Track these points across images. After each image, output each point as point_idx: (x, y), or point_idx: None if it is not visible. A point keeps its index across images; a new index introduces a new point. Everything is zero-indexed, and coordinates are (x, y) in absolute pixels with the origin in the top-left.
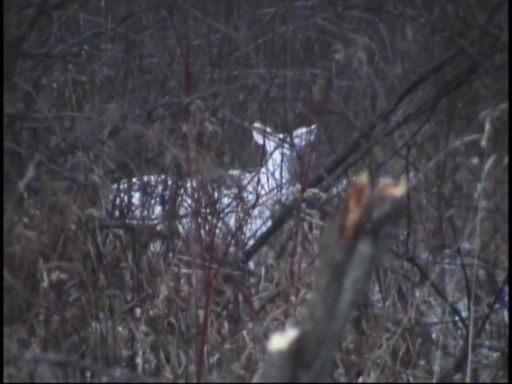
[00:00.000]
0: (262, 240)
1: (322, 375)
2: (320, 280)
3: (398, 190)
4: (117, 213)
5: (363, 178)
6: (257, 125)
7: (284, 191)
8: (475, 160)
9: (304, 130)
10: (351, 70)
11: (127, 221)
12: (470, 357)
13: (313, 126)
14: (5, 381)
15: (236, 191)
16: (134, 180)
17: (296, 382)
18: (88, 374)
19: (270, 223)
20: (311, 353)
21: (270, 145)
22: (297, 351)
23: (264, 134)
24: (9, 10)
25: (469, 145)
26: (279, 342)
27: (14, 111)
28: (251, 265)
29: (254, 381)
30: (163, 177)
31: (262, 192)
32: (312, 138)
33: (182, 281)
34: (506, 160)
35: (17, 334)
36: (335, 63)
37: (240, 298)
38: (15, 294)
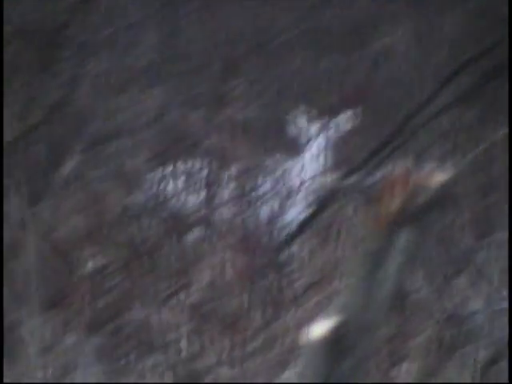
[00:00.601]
0: (305, 225)
1: (363, 363)
2: (362, 267)
3: (443, 176)
4: (157, 200)
5: (407, 163)
6: (301, 108)
7: (328, 175)
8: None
9: (349, 113)
10: (398, 53)
11: (170, 206)
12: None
13: (357, 110)
14: (49, 365)
15: (279, 176)
16: (176, 166)
17: (337, 368)
18: (132, 357)
19: (312, 208)
20: (352, 340)
21: (314, 129)
22: (338, 338)
23: (308, 117)
24: None
25: None
26: (321, 328)
27: (57, 98)
28: (294, 250)
29: (297, 367)
30: (205, 163)
31: (306, 177)
32: (356, 122)
33: (225, 266)
34: None
35: (60, 317)
36: (382, 46)
37: (283, 283)
38: (57, 278)
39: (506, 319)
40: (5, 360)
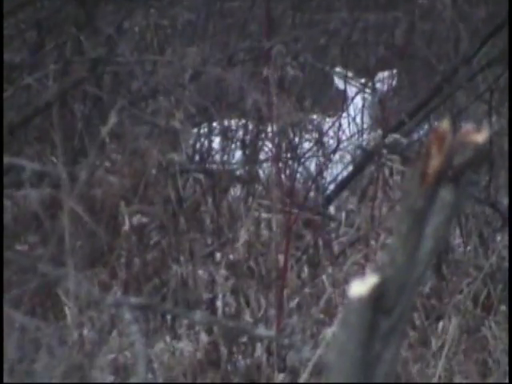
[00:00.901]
0: (343, 185)
1: (402, 321)
2: (401, 226)
3: (481, 136)
4: (197, 157)
5: (445, 124)
6: (338, 69)
7: (365, 136)
8: None
9: (386, 73)
10: (434, 13)
11: (207, 165)
12: None
13: (394, 71)
14: (87, 324)
15: (317, 136)
16: (215, 124)
17: (376, 327)
18: (169, 317)
19: (350, 168)
20: (391, 299)
21: (352, 89)
22: (377, 297)
23: (345, 78)
24: None
25: None
26: (359, 287)
27: (97, 56)
28: (332, 210)
29: (335, 327)
30: (244, 121)
31: (343, 137)
32: (394, 82)
33: (262, 225)
34: None
35: (98, 276)
36: (418, 6)
37: (320, 243)
38: (96, 237)
39: None
40: (43, 320)
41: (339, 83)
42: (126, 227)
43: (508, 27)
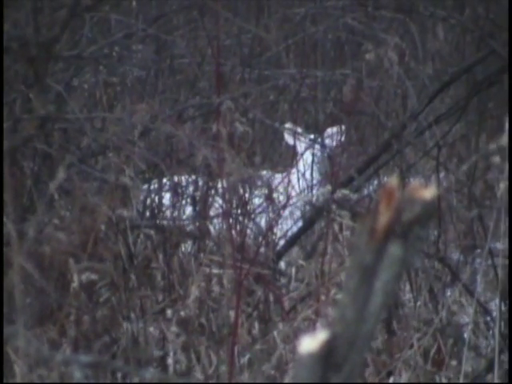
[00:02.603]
0: (293, 240)
1: (352, 377)
2: (350, 281)
3: (429, 192)
4: (147, 213)
5: (394, 180)
6: (288, 125)
7: (315, 192)
8: (497, 159)
9: (334, 129)
10: (382, 70)
11: (158, 221)
12: (500, 357)
13: (343, 126)
14: (37, 381)
15: (266, 192)
16: (165, 180)
17: (327, 383)
18: (119, 374)
19: (300, 224)
20: (342, 354)
21: (301, 145)
22: (327, 353)
23: (295, 134)
24: (41, 12)
25: (501, 147)
26: (310, 343)
27: (46, 113)
28: (282, 265)
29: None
30: (194, 177)
31: (293, 193)
32: (342, 138)
33: (213, 281)
34: None
35: (48, 334)
36: (366, 63)
37: (271, 298)
38: (46, 294)
39: (491, 332)
40: None
41: (289, 139)
42: (76, 284)
43: (508, 33)
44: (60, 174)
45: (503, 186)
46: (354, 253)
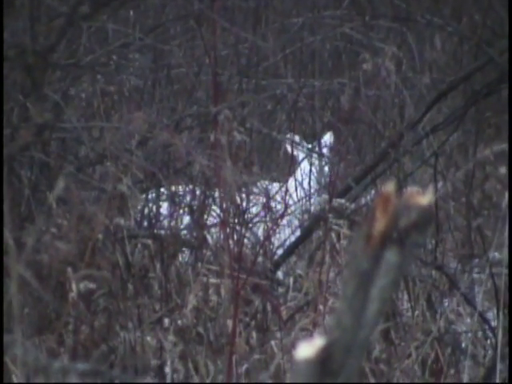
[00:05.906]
0: (291, 250)
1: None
2: (347, 289)
3: (425, 199)
4: (145, 223)
5: (390, 187)
6: (288, 136)
7: (312, 201)
8: (503, 169)
9: (332, 139)
10: (379, 79)
11: (155, 230)
12: (498, 366)
13: (340, 135)
14: None
15: (264, 201)
16: (162, 190)
17: None
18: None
19: (298, 233)
20: (338, 361)
21: (299, 154)
22: (324, 360)
23: (292, 143)
24: (38, 21)
25: (498, 154)
26: (306, 350)
27: (43, 122)
28: (280, 274)
29: None
30: (191, 187)
31: (291, 202)
32: (340, 147)
33: (211, 291)
34: None
35: (46, 343)
36: (363, 73)
37: (268, 308)
38: (44, 303)
39: (490, 342)
40: None
41: (289, 148)
42: (74, 293)
43: (508, 35)
44: (60, 183)
45: (507, 196)
46: (350, 259)
